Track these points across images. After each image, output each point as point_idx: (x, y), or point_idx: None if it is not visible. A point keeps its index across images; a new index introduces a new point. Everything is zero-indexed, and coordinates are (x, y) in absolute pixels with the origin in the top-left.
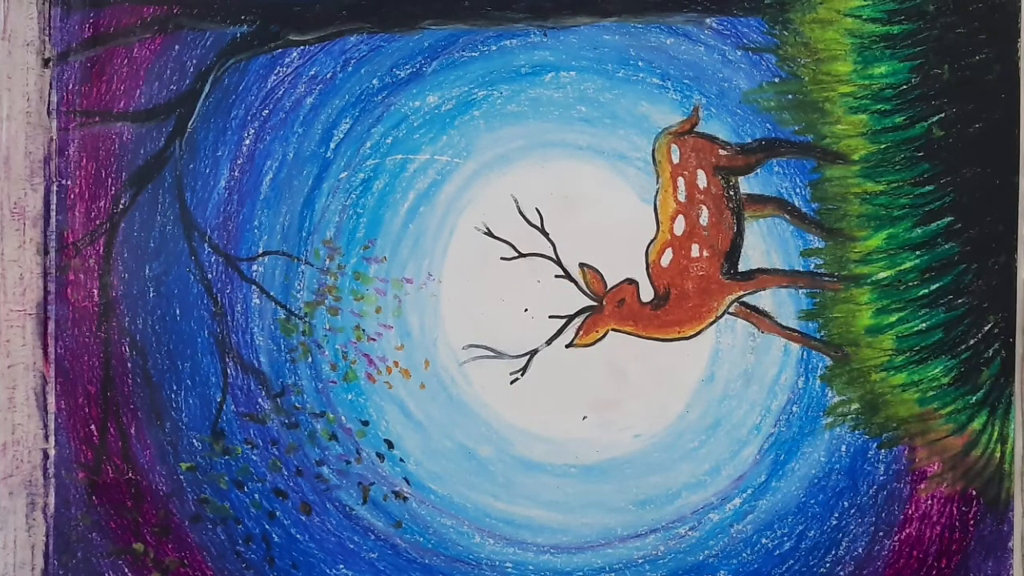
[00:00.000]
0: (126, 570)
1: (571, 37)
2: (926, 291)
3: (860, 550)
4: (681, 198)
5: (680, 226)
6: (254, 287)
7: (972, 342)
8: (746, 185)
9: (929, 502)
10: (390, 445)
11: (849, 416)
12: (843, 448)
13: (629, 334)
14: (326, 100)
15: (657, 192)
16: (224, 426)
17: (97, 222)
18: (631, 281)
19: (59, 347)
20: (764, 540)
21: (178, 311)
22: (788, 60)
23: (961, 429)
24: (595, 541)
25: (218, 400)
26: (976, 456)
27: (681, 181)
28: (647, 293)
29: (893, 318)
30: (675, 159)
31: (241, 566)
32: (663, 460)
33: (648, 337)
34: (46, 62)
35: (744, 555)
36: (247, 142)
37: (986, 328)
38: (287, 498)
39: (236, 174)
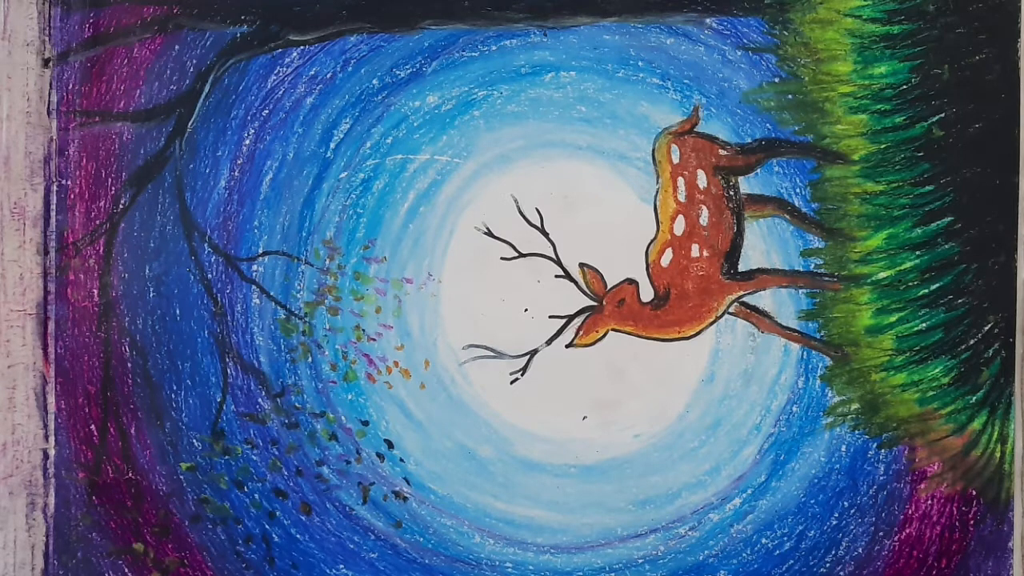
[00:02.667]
0: (126, 570)
1: (571, 37)
2: (926, 291)
3: (860, 550)
4: (681, 198)
5: (680, 226)
6: (254, 287)
7: (972, 342)
8: (746, 185)
9: (929, 502)
10: (390, 445)
11: (849, 416)
12: (843, 448)
13: (629, 334)
14: (326, 100)
15: (657, 192)
16: (224, 426)
17: (97, 222)
18: (631, 281)
19: (59, 347)
20: (764, 540)
21: (178, 311)
22: (788, 60)
23: (961, 429)
24: (595, 541)
25: (218, 400)
26: (976, 456)
27: (681, 181)
28: (647, 293)
29: (893, 318)
30: (675, 159)
31: (241, 566)
32: (663, 460)
33: (648, 337)
34: (46, 62)
35: (744, 555)
36: (247, 142)
37: (986, 328)
38: (287, 498)
39: (236, 174)
